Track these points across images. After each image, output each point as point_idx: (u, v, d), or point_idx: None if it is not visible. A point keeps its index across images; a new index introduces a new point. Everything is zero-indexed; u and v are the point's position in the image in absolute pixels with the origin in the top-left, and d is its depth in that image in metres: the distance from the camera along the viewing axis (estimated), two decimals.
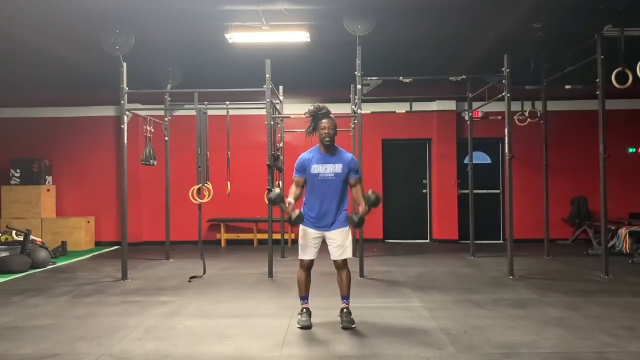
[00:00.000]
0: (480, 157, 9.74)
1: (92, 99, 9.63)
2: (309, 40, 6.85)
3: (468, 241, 8.04)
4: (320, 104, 4.17)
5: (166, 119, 7.84)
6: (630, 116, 9.37)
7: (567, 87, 7.18)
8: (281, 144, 7.87)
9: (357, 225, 4.11)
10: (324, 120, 4.07)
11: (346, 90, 7.98)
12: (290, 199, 4.03)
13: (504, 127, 6.30)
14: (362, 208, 4.05)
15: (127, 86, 6.35)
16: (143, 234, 9.71)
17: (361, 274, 6.19)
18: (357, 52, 6.36)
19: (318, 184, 4.08)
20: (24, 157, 9.50)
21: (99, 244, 9.60)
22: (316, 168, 4.08)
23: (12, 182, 9.36)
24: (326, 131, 4.05)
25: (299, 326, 4.10)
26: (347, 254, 4.15)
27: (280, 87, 8.15)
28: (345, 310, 4.15)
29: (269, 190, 6.06)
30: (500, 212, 9.77)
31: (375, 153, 9.54)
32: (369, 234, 8.02)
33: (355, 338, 3.86)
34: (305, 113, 4.18)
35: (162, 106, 7.79)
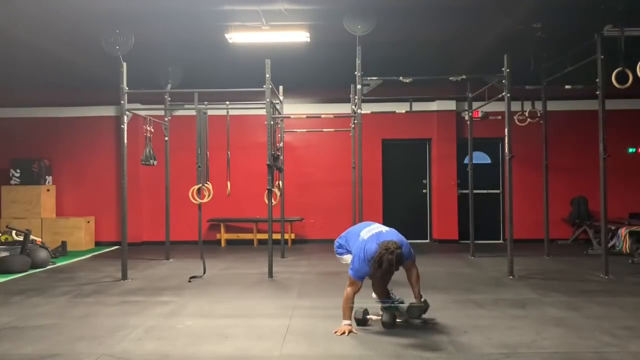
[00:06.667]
0: (480, 157, 9.73)
1: (92, 99, 9.64)
2: (309, 40, 6.86)
3: (468, 241, 8.04)
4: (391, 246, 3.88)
5: (166, 119, 7.84)
6: (630, 116, 9.37)
7: (567, 87, 7.20)
8: (281, 144, 7.86)
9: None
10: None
11: (346, 90, 7.97)
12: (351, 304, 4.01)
13: (504, 127, 6.29)
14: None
15: (127, 86, 6.34)
16: (143, 234, 9.71)
17: None
18: (357, 52, 6.36)
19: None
20: (24, 157, 9.50)
21: (99, 244, 9.59)
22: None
23: (12, 182, 9.36)
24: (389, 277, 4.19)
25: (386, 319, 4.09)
26: None
27: (280, 87, 8.14)
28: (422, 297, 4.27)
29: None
30: (500, 212, 9.77)
31: (375, 153, 9.53)
32: None
33: (355, 338, 3.86)
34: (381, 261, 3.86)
35: (162, 106, 7.78)
